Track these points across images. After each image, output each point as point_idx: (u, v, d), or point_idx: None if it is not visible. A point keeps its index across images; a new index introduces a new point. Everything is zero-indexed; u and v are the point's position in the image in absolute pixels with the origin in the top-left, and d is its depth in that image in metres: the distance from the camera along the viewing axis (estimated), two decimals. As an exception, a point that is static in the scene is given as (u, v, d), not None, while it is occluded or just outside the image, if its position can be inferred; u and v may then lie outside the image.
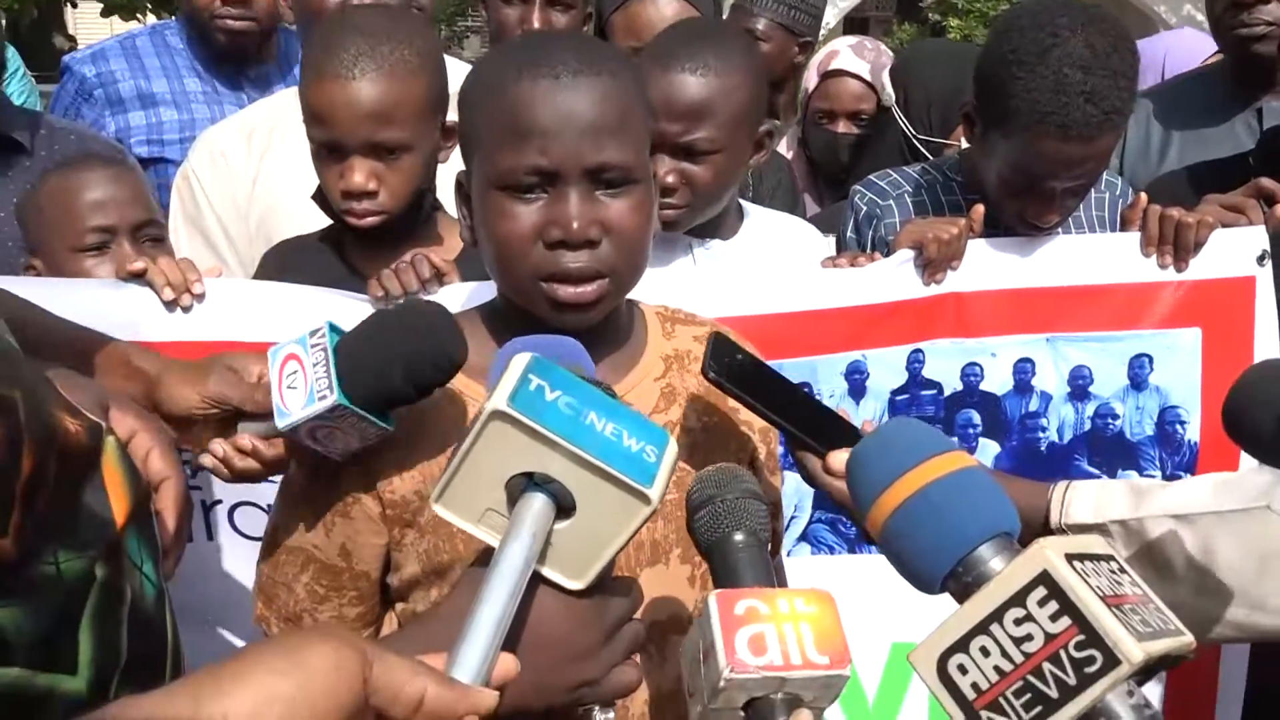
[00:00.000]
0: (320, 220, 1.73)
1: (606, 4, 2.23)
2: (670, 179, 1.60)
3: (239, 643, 1.60)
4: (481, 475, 0.74)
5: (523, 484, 0.74)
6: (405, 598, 1.09)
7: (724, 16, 2.57)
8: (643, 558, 1.10)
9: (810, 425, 1.07)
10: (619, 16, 2.17)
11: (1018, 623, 0.67)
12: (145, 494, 0.82)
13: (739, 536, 0.83)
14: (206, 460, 1.04)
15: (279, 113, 1.99)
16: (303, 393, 0.97)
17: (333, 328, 1.00)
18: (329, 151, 1.54)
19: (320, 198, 1.64)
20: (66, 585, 0.67)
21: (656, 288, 1.28)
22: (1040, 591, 0.67)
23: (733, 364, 1.04)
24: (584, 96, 1.00)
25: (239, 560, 1.58)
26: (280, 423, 0.98)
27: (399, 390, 0.98)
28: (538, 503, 0.73)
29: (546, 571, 0.76)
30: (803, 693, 0.72)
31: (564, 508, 0.74)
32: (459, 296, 1.52)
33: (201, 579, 1.55)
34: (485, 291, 1.49)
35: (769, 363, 1.18)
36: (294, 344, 1.01)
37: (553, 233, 1.01)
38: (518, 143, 1.01)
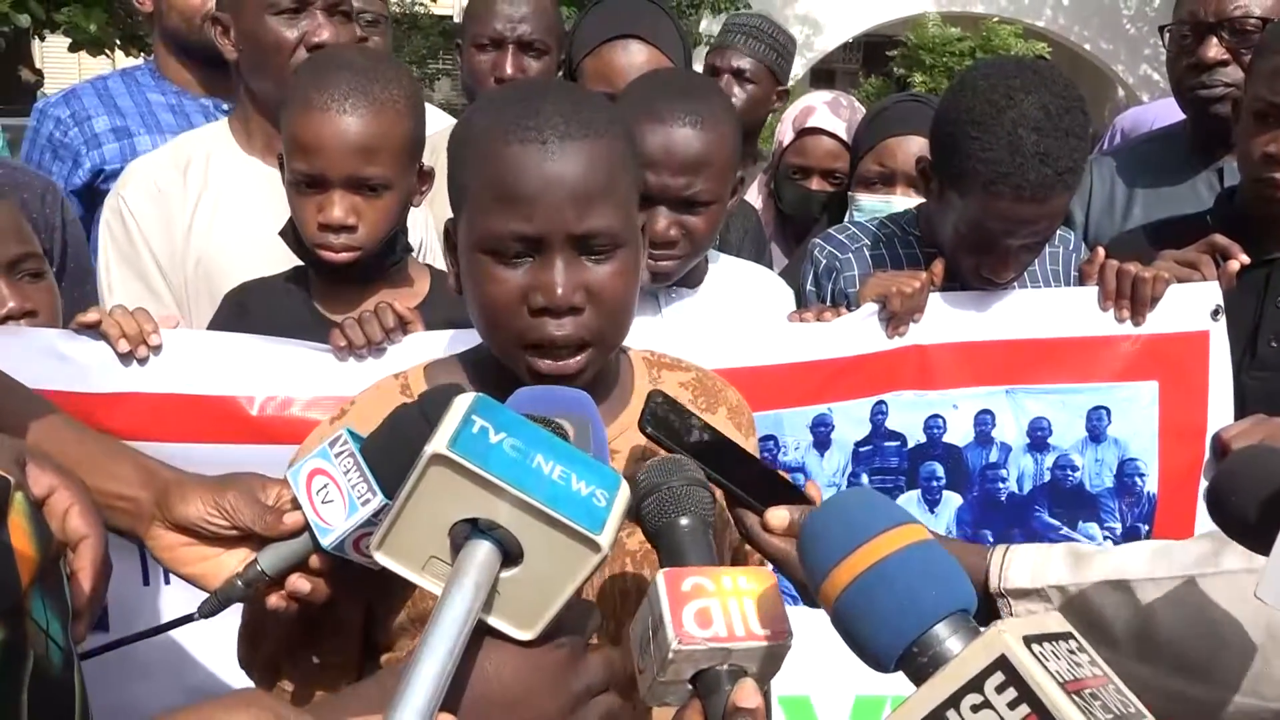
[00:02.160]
0: (259, 262, 1.73)
1: (576, 49, 2.24)
2: (672, 232, 1.62)
3: (177, 690, 1.55)
4: (423, 521, 0.72)
5: (467, 530, 0.72)
6: (392, 646, 1.08)
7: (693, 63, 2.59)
8: (629, 607, 1.09)
9: (749, 482, 1.07)
10: (590, 61, 2.19)
11: (975, 709, 0.65)
12: (55, 553, 0.79)
13: (684, 521, 0.86)
14: (276, 600, 0.96)
15: (211, 145, 1.98)
16: (341, 505, 0.92)
17: (352, 434, 0.95)
18: (309, 185, 1.54)
19: (289, 235, 1.64)
20: None
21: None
22: (998, 677, 0.65)
23: (670, 419, 1.05)
24: (571, 162, 1.00)
25: (179, 604, 1.54)
26: (325, 540, 0.92)
27: None
28: (482, 551, 0.71)
29: (494, 621, 0.74)
30: (747, 664, 0.76)
31: (511, 555, 0.72)
32: (423, 345, 1.51)
33: (142, 625, 1.51)
34: (451, 339, 1.49)
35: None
36: (315, 458, 0.95)
37: (537, 299, 1.01)
38: (503, 208, 1.00)
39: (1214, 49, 2.16)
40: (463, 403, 0.75)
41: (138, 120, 2.42)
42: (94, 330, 1.45)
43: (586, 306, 1.02)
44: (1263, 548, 0.85)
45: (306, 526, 0.94)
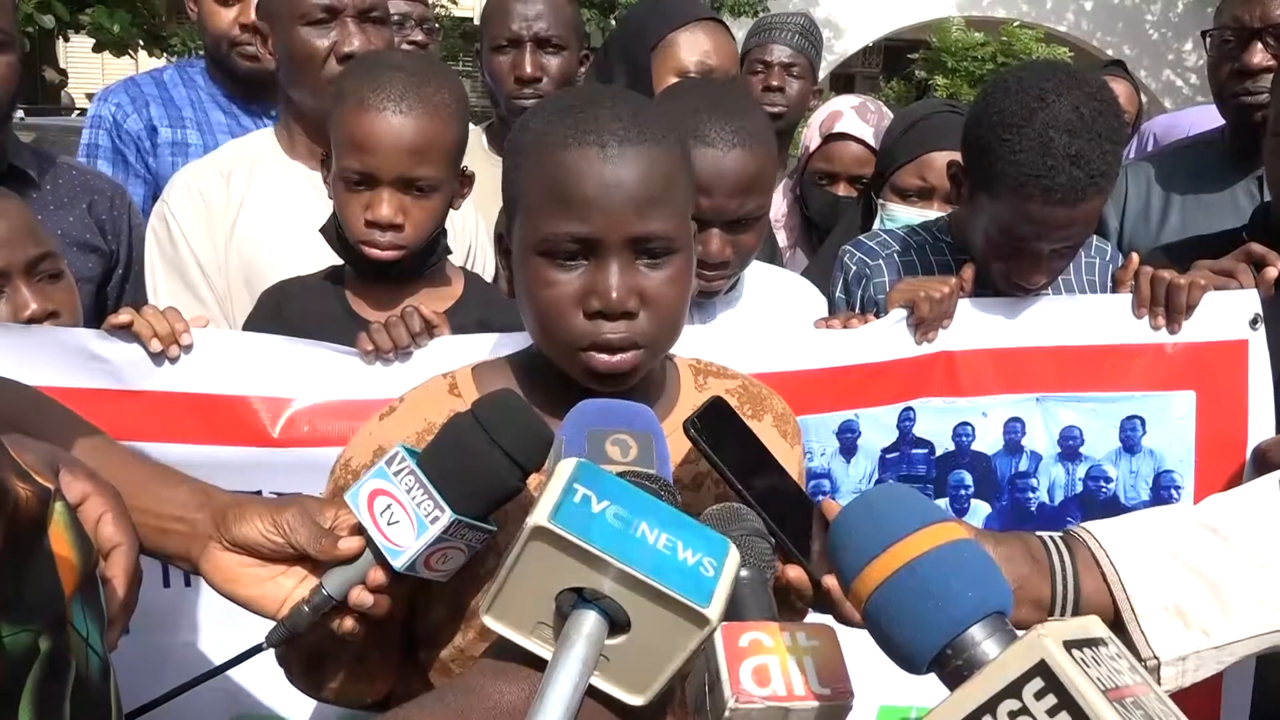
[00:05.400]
0: (299, 266, 1.74)
1: (659, 23, 2.21)
2: (727, 252, 1.62)
3: (208, 690, 1.55)
4: (529, 589, 0.71)
5: (572, 599, 0.71)
6: (433, 642, 1.08)
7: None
8: None
9: (779, 513, 1.02)
10: (685, 35, 2.16)
11: (1012, 715, 0.63)
12: (94, 562, 0.79)
13: (743, 573, 0.83)
14: (352, 624, 0.95)
15: (255, 152, 2.00)
16: (409, 525, 0.91)
17: (408, 450, 0.94)
18: (357, 182, 1.56)
19: (329, 232, 1.65)
20: (9, 659, 0.64)
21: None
22: (1037, 683, 0.63)
23: (719, 429, 1.02)
24: (630, 166, 1.00)
25: (200, 607, 1.54)
26: (397, 562, 0.91)
27: (511, 483, 0.92)
28: (588, 622, 0.70)
29: (603, 685, 0.72)
30: None
31: (618, 623, 0.71)
32: (450, 349, 1.51)
33: (163, 629, 1.50)
34: (479, 344, 1.49)
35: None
36: (374, 479, 0.93)
37: (592, 303, 1.01)
38: (561, 211, 1.01)
39: (1259, 55, 2.14)
40: (565, 470, 0.73)
41: (190, 110, 2.47)
42: (126, 331, 1.46)
43: (640, 311, 1.02)
44: None
45: (366, 548, 0.93)
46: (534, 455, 0.92)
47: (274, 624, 0.96)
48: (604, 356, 1.03)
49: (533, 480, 0.98)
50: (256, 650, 0.98)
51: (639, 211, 1.00)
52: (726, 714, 0.72)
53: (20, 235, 1.55)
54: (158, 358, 1.46)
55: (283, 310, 1.66)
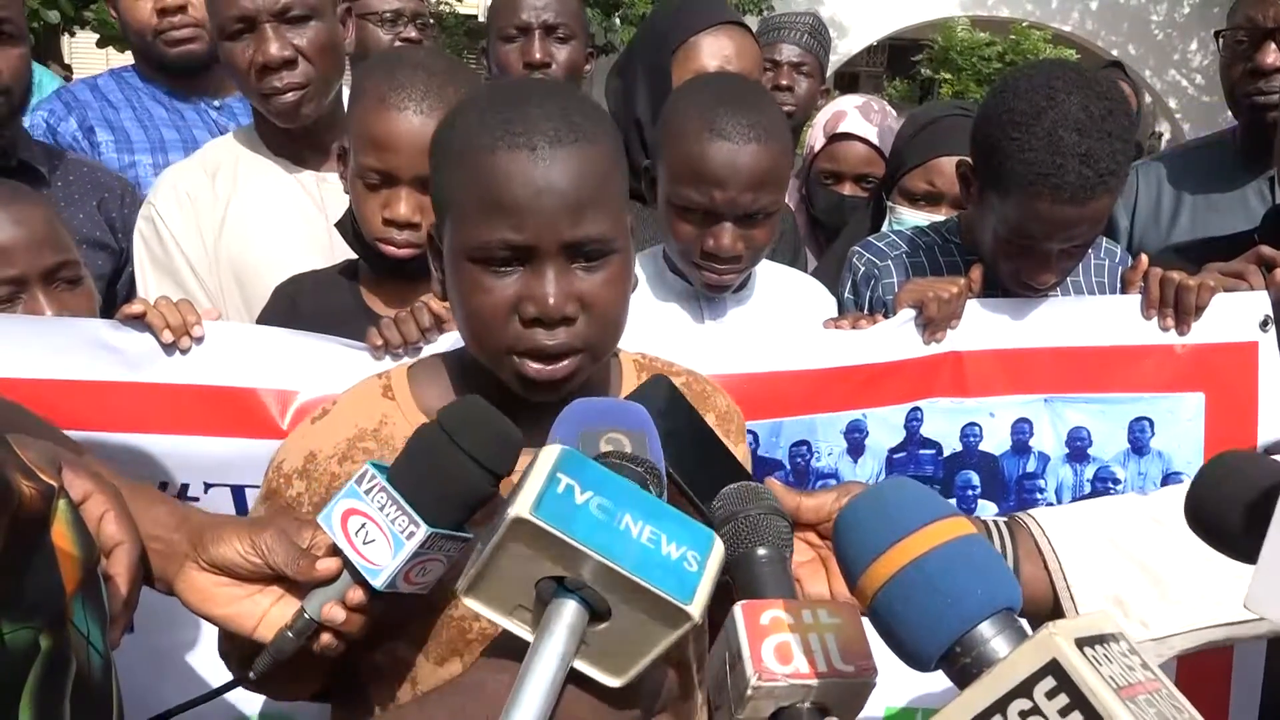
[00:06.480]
0: (287, 264, 1.75)
1: (680, 29, 2.20)
2: (739, 246, 1.62)
3: (200, 686, 1.56)
4: (509, 574, 0.71)
5: (553, 587, 0.71)
6: (367, 644, 1.06)
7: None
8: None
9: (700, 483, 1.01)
10: (708, 39, 2.15)
11: (1023, 715, 0.63)
12: (96, 560, 0.79)
13: (762, 551, 0.83)
14: (328, 640, 0.94)
15: (239, 149, 2.00)
16: (385, 542, 0.89)
17: (377, 466, 0.92)
18: (377, 180, 1.56)
19: (346, 227, 1.66)
20: (9, 657, 0.64)
21: (660, 345, 1.28)
22: (1048, 682, 0.62)
23: (657, 409, 0.99)
24: (562, 169, 0.96)
25: None
26: (376, 581, 0.90)
27: (484, 489, 0.91)
28: (568, 611, 0.70)
29: (582, 666, 0.72)
30: (829, 701, 0.72)
31: (598, 611, 0.71)
32: (458, 344, 1.51)
33: (169, 629, 1.50)
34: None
35: (763, 422, 1.14)
36: (345, 499, 0.92)
37: (528, 309, 0.98)
38: (492, 217, 0.97)
39: (1272, 55, 2.14)
40: (549, 458, 0.72)
41: (129, 111, 2.43)
42: (139, 321, 1.46)
43: (579, 316, 1.00)
44: (1249, 557, 0.81)
45: (344, 568, 0.92)
46: (504, 459, 0.90)
47: (260, 652, 0.94)
48: (538, 365, 1.00)
49: (505, 484, 0.97)
50: (245, 678, 0.97)
51: (573, 216, 0.97)
52: (749, 692, 0.71)
53: (40, 242, 1.55)
54: (169, 349, 1.47)
55: (296, 304, 1.67)
